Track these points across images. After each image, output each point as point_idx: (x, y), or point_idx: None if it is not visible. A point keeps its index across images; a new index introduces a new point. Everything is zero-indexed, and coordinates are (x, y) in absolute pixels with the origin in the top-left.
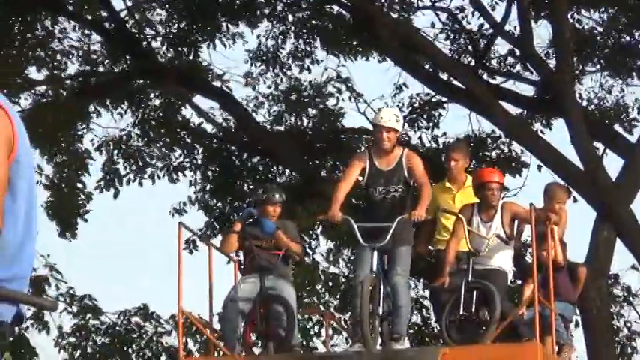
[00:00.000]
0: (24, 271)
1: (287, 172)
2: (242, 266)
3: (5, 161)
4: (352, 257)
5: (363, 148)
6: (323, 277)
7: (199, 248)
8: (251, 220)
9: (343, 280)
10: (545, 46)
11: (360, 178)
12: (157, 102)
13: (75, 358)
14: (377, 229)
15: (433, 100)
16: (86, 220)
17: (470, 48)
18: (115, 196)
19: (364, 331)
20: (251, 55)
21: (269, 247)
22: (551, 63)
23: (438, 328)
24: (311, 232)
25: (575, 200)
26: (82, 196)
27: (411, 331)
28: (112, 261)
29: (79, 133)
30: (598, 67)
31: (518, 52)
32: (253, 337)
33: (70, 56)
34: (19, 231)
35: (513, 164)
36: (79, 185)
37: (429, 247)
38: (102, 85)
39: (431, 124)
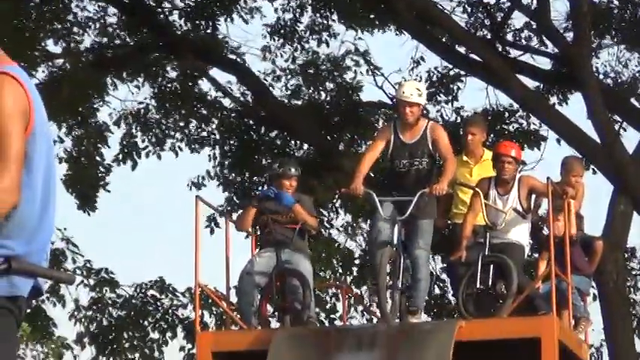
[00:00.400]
0: (42, 245)
1: (305, 146)
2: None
3: (22, 134)
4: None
5: (383, 123)
6: (339, 251)
7: (221, 226)
8: (269, 195)
9: (360, 253)
10: (563, 19)
11: (388, 149)
12: (174, 74)
13: (91, 331)
14: (398, 203)
15: (451, 73)
16: (109, 191)
17: (487, 21)
18: (133, 167)
19: (381, 304)
20: (269, 29)
21: (285, 221)
22: (569, 36)
23: (455, 301)
24: (330, 205)
25: (594, 172)
26: (101, 169)
27: (426, 304)
28: (129, 234)
29: (96, 105)
30: (615, 40)
31: (535, 26)
32: (270, 311)
33: (87, 29)
34: (36, 205)
35: (532, 137)
36: (98, 158)
37: (446, 220)
38: (118, 58)
39: (450, 98)
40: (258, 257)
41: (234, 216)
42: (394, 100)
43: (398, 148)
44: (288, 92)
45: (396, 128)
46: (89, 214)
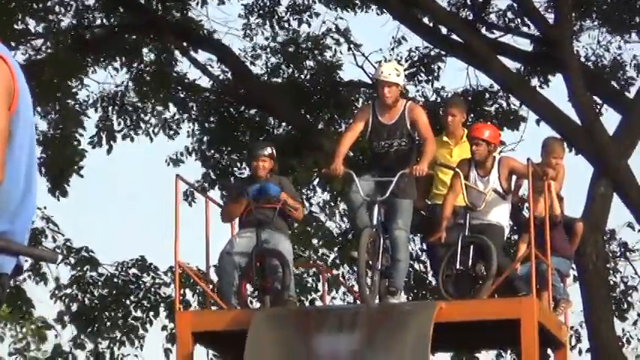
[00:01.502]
0: (25, 224)
1: (284, 124)
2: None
3: (6, 112)
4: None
5: (363, 102)
6: (320, 229)
7: (197, 200)
8: (254, 192)
9: (338, 233)
10: (544, 0)
11: (367, 130)
12: (152, 57)
13: (71, 310)
14: (379, 183)
15: (432, 53)
16: (82, 176)
17: (469, 1)
18: (109, 152)
19: (361, 285)
20: (247, 9)
21: (265, 201)
22: (550, 18)
23: (435, 282)
24: (308, 184)
25: (577, 153)
26: (76, 152)
27: (406, 285)
28: (106, 213)
29: (74, 89)
30: (596, 23)
31: (517, 7)
32: (249, 291)
33: (67, 9)
34: (20, 183)
35: (511, 118)
36: (74, 142)
37: (426, 201)
38: (96, 40)
39: (430, 78)
40: (239, 237)
41: (213, 193)
42: (374, 80)
43: (377, 129)
44: (268, 70)
45: (374, 109)
46: (58, 199)
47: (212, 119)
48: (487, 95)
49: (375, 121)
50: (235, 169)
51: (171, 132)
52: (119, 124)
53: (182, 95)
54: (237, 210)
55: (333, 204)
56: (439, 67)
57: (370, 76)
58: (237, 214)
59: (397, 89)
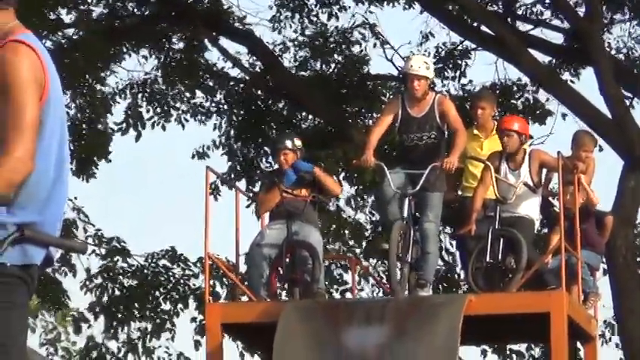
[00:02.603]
0: (56, 215)
1: (310, 117)
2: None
3: (37, 103)
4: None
5: (392, 95)
6: (348, 224)
7: (222, 193)
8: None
9: (369, 227)
10: None
11: (395, 124)
12: (181, 45)
13: (102, 300)
14: (409, 175)
15: (459, 48)
16: (110, 161)
17: None
18: (137, 138)
19: (392, 277)
20: (277, 1)
21: (296, 193)
22: (581, 11)
23: (464, 275)
24: (334, 177)
25: (601, 149)
26: (104, 138)
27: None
28: (136, 204)
29: (103, 75)
30: (627, 16)
31: (547, 0)
32: (279, 283)
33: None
34: (50, 173)
35: (538, 112)
36: (101, 127)
37: (456, 193)
38: (127, 29)
39: (457, 73)
40: (269, 229)
41: (241, 184)
42: (402, 73)
43: (406, 122)
44: (297, 64)
45: (403, 102)
46: (87, 181)
47: (239, 112)
48: (515, 89)
49: (404, 114)
50: (262, 162)
51: (202, 117)
52: (148, 111)
53: (211, 84)
54: (272, 201)
55: (360, 198)
56: (466, 64)
57: (399, 69)
58: (271, 204)
59: (426, 82)
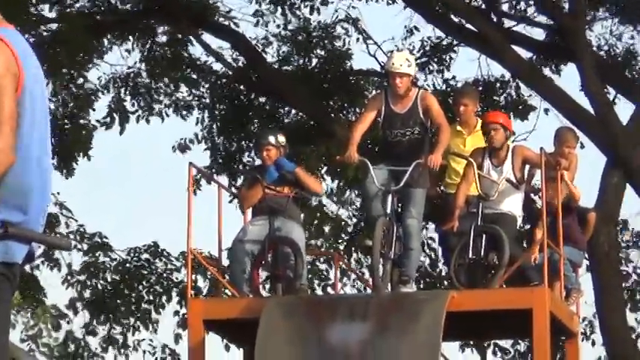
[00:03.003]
0: (39, 210)
1: (293, 112)
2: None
3: (13, 96)
4: (358, 198)
5: (377, 91)
6: (330, 219)
7: (202, 188)
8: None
9: (350, 222)
10: None
11: (379, 120)
12: (164, 39)
13: (84, 296)
14: (393, 172)
15: (444, 43)
16: (89, 158)
17: None
18: (121, 132)
19: (374, 274)
20: None
21: (279, 190)
22: (564, 8)
23: (447, 271)
24: (317, 174)
25: (582, 146)
26: (86, 133)
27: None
28: (120, 197)
29: (85, 69)
30: (609, 13)
31: None
32: (262, 279)
33: None
34: (32, 165)
35: (520, 107)
36: (83, 122)
37: (438, 189)
38: (110, 23)
39: (442, 68)
40: (251, 225)
41: (221, 179)
42: (384, 70)
43: (389, 118)
44: (280, 58)
45: (387, 98)
46: (67, 178)
47: (222, 107)
48: (497, 85)
49: (387, 110)
50: (244, 157)
51: (184, 112)
52: (132, 105)
53: (194, 77)
54: (255, 197)
55: (342, 192)
56: (450, 58)
57: (382, 64)
58: (254, 200)
59: (409, 79)
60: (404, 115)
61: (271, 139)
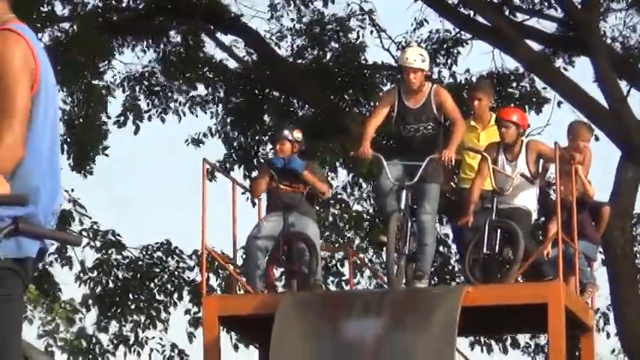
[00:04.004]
0: (48, 206)
1: (306, 106)
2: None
3: (27, 91)
4: (372, 193)
5: (391, 86)
6: (348, 213)
7: (217, 180)
8: (277, 164)
9: (367, 218)
10: None
11: (392, 114)
12: (179, 39)
13: (96, 292)
14: (407, 167)
15: (453, 37)
16: (107, 155)
17: None
18: (136, 132)
19: (389, 269)
20: None
21: (293, 185)
22: (577, 1)
23: (461, 266)
24: (329, 167)
25: (597, 139)
26: (100, 132)
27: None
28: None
29: (101, 69)
30: (624, 4)
31: None
32: (276, 275)
33: None
34: (42, 165)
35: (534, 100)
36: (97, 122)
37: (452, 184)
38: (124, 23)
39: (449, 61)
40: (266, 221)
41: (235, 173)
42: (398, 65)
43: (403, 113)
44: (294, 52)
45: (400, 93)
46: (85, 177)
47: (236, 100)
48: (512, 78)
49: (401, 105)
50: (258, 150)
51: (200, 109)
52: (147, 104)
53: (210, 75)
54: (262, 184)
55: (357, 187)
56: (458, 52)
57: (396, 58)
58: (263, 187)
59: (422, 74)
60: (417, 110)
61: (286, 132)
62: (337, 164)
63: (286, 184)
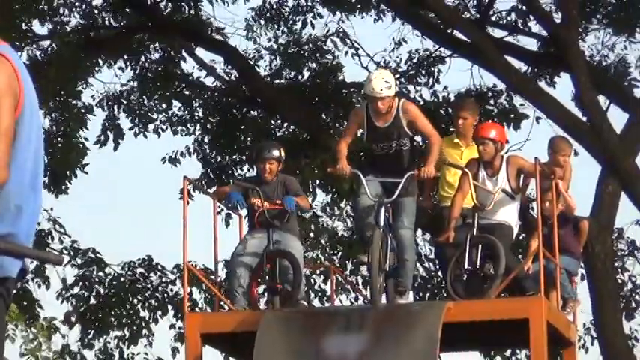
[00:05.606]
0: (30, 225)
1: (285, 125)
2: (249, 222)
3: (11, 112)
4: (350, 211)
5: (357, 104)
6: (327, 231)
7: (194, 198)
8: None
9: (343, 233)
10: (550, 0)
11: (363, 132)
12: (157, 56)
13: (79, 309)
14: (385, 184)
15: (433, 55)
16: (86, 173)
17: (474, 1)
18: (115, 148)
19: (373, 285)
20: (255, 12)
21: (277, 202)
22: (557, 18)
23: (443, 282)
24: (310, 183)
25: (576, 153)
26: (79, 151)
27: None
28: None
29: (79, 88)
30: (601, 24)
31: (523, 7)
32: (259, 292)
33: (73, 10)
34: (24, 186)
35: (512, 116)
36: (75, 140)
37: (432, 201)
38: (103, 40)
39: (431, 80)
40: (251, 238)
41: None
42: (364, 94)
43: (373, 133)
44: (272, 72)
45: (368, 112)
46: (57, 197)
47: (214, 120)
48: (490, 94)
49: (370, 124)
50: (235, 170)
51: (179, 128)
52: (129, 122)
53: (187, 93)
54: (224, 192)
55: (336, 206)
56: (439, 70)
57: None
58: (226, 190)
59: (390, 99)
60: (387, 130)
61: (275, 152)
62: (316, 183)
63: (271, 202)
